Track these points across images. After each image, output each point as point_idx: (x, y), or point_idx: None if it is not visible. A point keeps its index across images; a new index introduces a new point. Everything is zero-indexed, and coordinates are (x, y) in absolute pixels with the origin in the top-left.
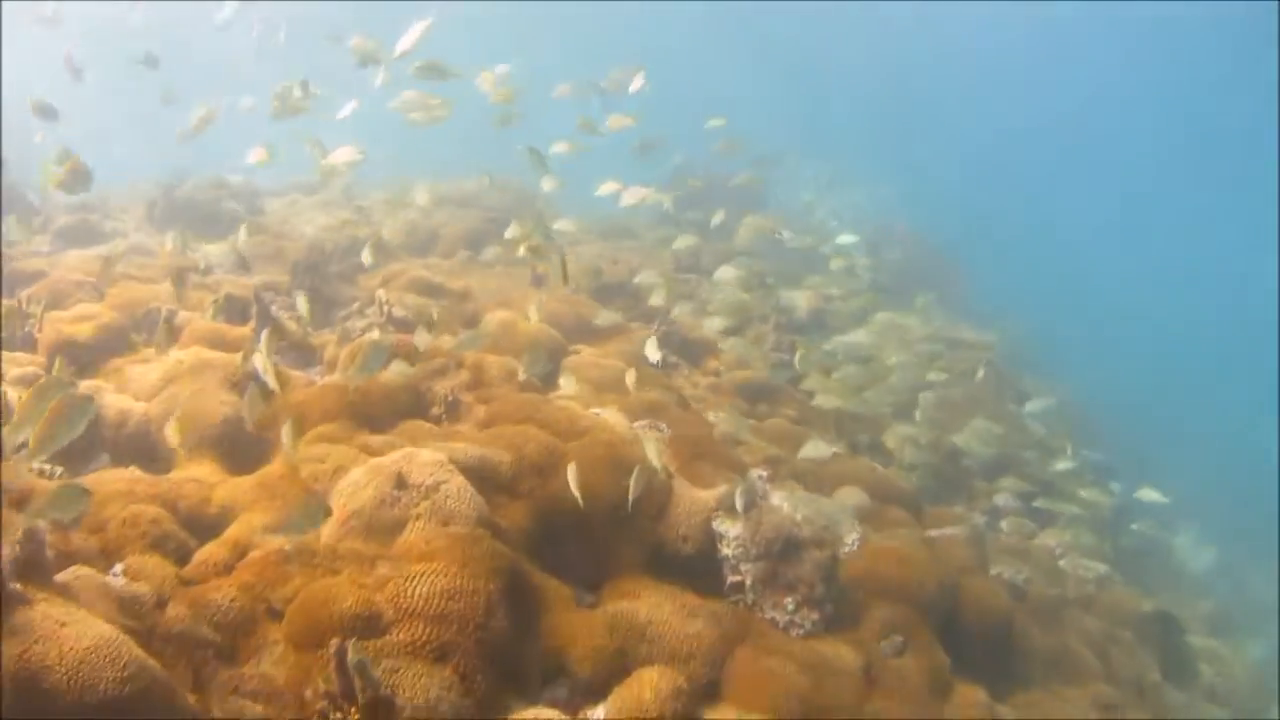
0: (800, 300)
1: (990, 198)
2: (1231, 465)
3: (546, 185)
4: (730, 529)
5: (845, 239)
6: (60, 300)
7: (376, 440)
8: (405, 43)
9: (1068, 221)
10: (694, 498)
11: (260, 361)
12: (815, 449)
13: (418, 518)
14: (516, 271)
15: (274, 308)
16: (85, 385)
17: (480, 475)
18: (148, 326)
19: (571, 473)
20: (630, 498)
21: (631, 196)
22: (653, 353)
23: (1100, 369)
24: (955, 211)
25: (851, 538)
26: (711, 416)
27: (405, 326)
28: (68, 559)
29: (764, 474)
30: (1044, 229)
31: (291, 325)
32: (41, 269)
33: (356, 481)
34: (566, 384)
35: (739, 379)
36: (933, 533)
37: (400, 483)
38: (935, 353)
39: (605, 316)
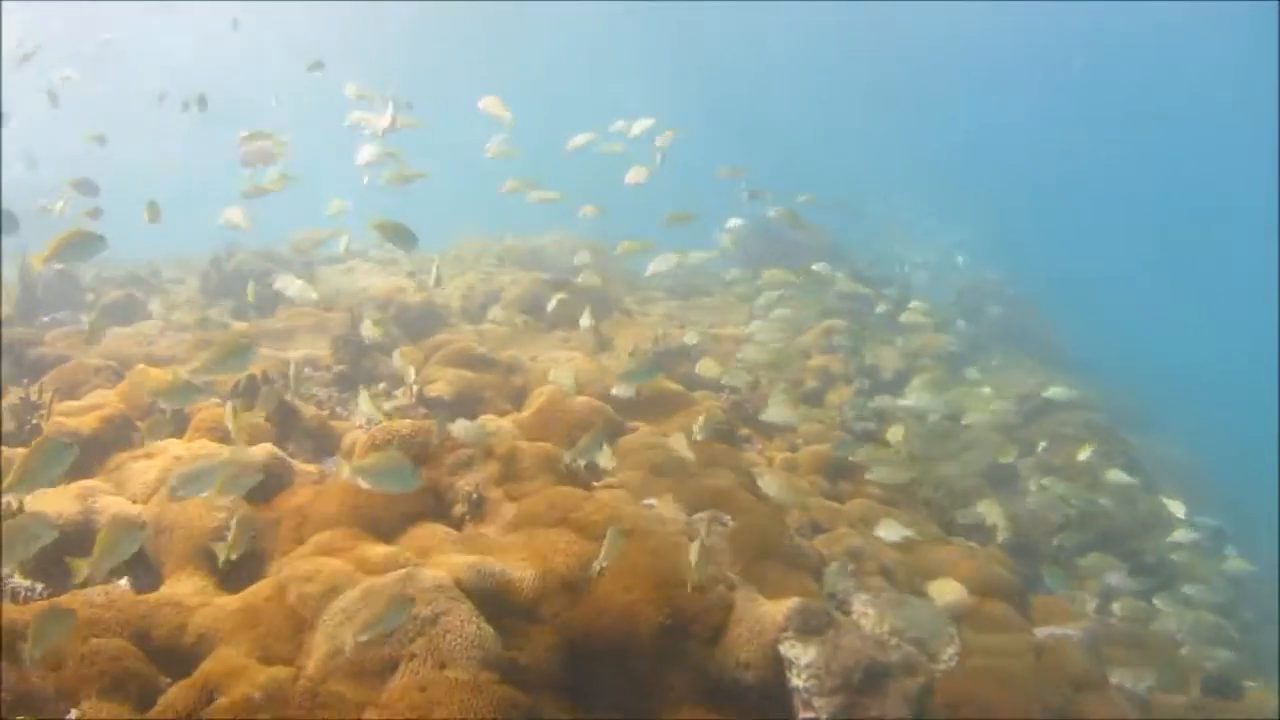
0: (886, 359)
1: (1059, 239)
2: None
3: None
4: (802, 654)
5: (916, 306)
6: (75, 388)
7: (379, 553)
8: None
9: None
10: (758, 615)
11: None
12: (888, 530)
13: (412, 658)
14: (577, 337)
15: (309, 386)
16: (80, 486)
17: (494, 598)
18: (156, 414)
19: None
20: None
21: (663, 264)
22: (698, 432)
23: (1209, 420)
24: (1033, 256)
25: (949, 652)
26: (762, 483)
27: (440, 407)
28: (23, 702)
29: (849, 568)
30: (1112, 270)
31: (309, 410)
32: (65, 354)
33: (346, 609)
34: (605, 462)
35: (820, 454)
36: (1041, 633)
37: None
38: (1005, 411)
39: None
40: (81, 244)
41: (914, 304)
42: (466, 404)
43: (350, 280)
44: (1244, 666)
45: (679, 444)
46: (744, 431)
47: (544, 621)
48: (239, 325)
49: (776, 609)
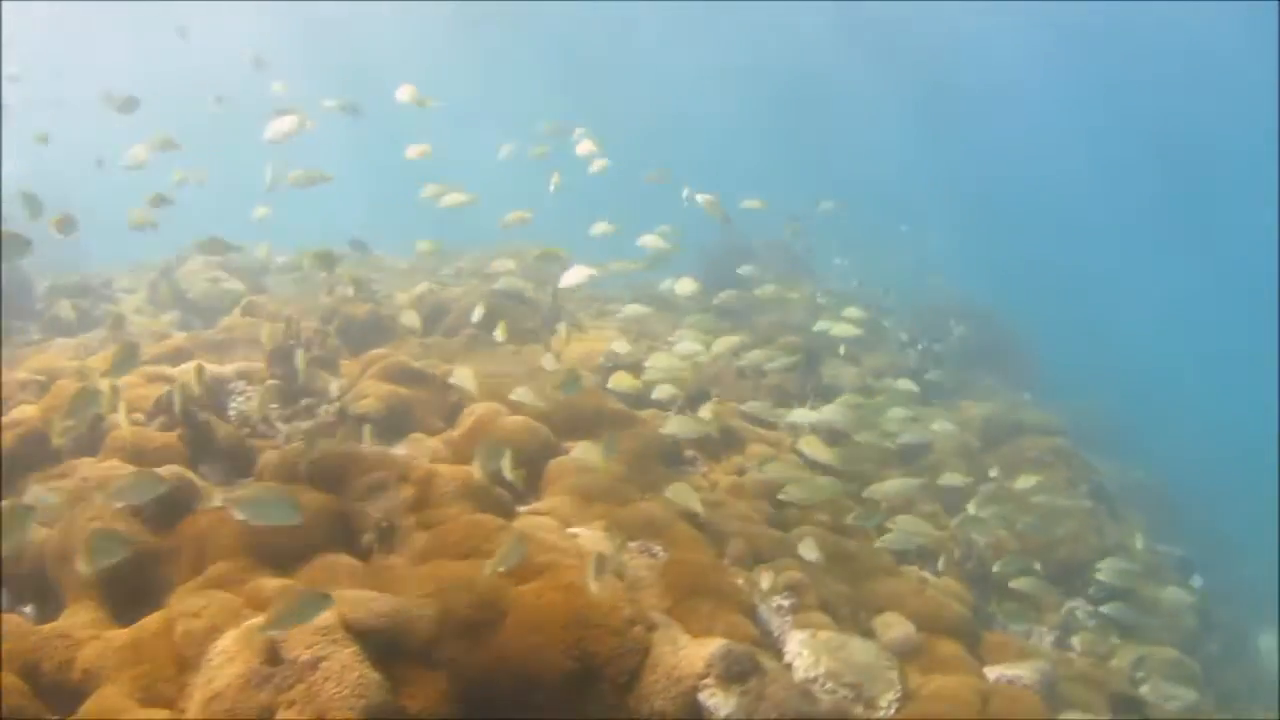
0: (845, 378)
1: (1042, 251)
2: None
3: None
4: (721, 705)
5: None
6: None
7: (272, 587)
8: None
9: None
10: (677, 660)
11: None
12: (806, 549)
13: (290, 705)
14: (529, 351)
15: (238, 399)
16: None
17: (387, 639)
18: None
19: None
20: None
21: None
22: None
23: (1181, 444)
24: (1012, 269)
25: (888, 698)
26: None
27: (362, 425)
28: None
29: (786, 604)
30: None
31: (225, 428)
32: None
33: (226, 650)
34: (508, 474)
35: (768, 478)
36: (992, 674)
37: (274, 656)
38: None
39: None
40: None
41: (849, 310)
42: (396, 421)
43: (306, 290)
44: (1206, 707)
45: (592, 455)
46: (689, 453)
47: (440, 666)
48: (177, 337)
49: (698, 653)
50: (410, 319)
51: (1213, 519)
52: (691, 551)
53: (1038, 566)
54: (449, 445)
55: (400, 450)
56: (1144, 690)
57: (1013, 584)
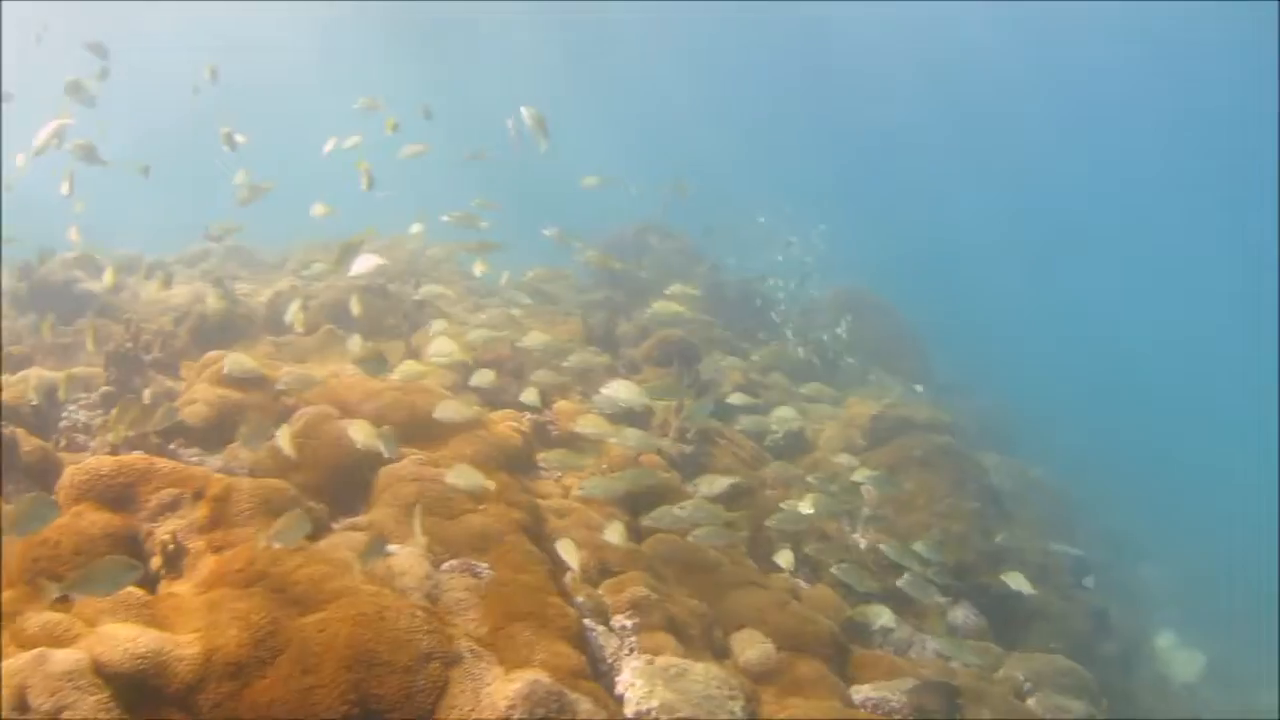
0: (727, 374)
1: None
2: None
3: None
4: None
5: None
6: None
7: (37, 622)
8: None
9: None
10: (475, 703)
11: None
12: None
13: None
14: (389, 349)
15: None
16: None
17: (143, 683)
18: None
19: None
20: None
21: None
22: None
23: (1081, 440)
24: (903, 267)
25: None
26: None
27: (179, 435)
28: None
29: (628, 624)
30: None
31: (32, 442)
32: None
33: None
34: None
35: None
36: (858, 697)
37: (21, 703)
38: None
39: (450, 409)
40: None
41: (673, 287)
42: (224, 429)
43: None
44: (1099, 718)
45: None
46: (543, 456)
47: (199, 714)
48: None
49: (502, 691)
50: (291, 315)
51: (1114, 517)
52: (521, 570)
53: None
54: (273, 454)
55: (217, 461)
56: (1032, 703)
57: (899, 583)
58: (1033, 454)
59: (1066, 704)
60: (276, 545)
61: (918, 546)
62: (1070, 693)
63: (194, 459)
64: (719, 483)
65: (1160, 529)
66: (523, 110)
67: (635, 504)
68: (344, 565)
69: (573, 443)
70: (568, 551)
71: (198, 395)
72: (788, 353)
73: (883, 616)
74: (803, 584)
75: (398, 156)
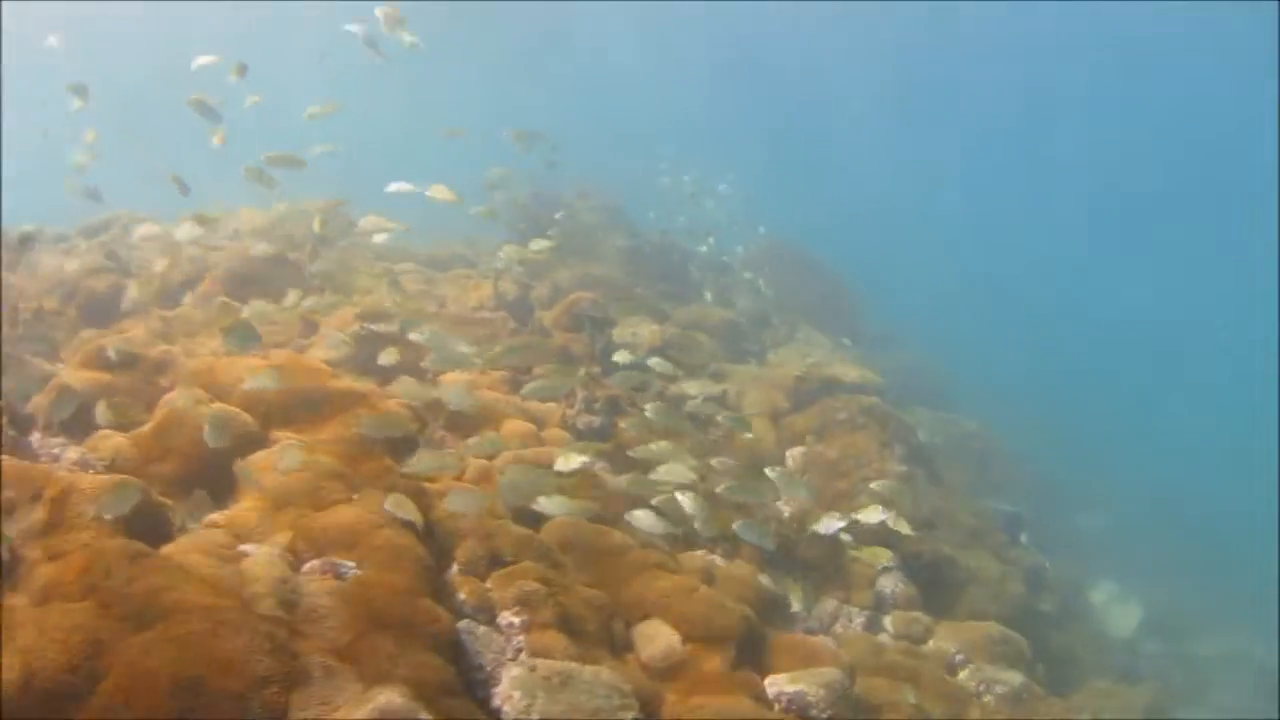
0: (643, 334)
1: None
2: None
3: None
4: None
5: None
6: None
7: None
8: None
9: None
10: None
11: None
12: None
13: None
14: (284, 320)
15: None
16: None
17: None
18: None
19: None
20: None
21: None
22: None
23: (1017, 393)
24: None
25: None
26: (402, 512)
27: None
28: None
29: (516, 622)
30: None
31: None
32: None
33: None
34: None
35: (521, 459)
36: (772, 690)
37: None
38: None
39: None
40: None
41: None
42: (85, 416)
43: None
44: (1035, 688)
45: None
46: (438, 434)
47: None
48: None
49: (349, 716)
50: (142, 290)
51: (1050, 468)
52: (392, 568)
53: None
54: (137, 444)
55: (72, 454)
56: (964, 676)
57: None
58: (967, 408)
59: (1000, 675)
60: (106, 517)
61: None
62: (1004, 661)
63: (56, 451)
64: (573, 460)
65: (1099, 477)
66: (378, 9)
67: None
68: (185, 574)
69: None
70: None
71: (66, 379)
72: (710, 312)
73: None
74: (719, 560)
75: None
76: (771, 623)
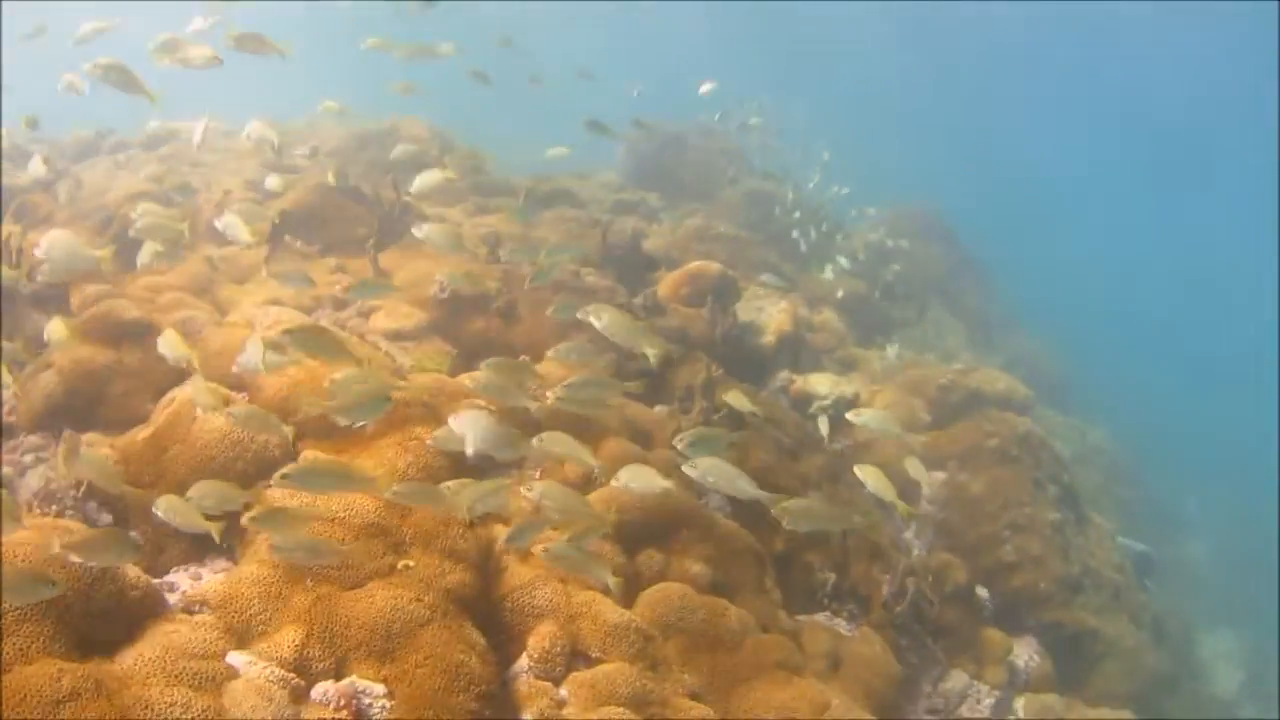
0: (770, 312)
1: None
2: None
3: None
4: None
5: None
6: None
7: None
8: None
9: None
10: None
11: None
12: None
13: None
14: (355, 268)
15: None
16: None
17: None
18: None
19: None
20: None
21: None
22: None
23: (1135, 397)
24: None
25: None
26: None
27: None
28: None
29: None
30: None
31: None
32: None
33: None
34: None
35: (618, 498)
36: None
37: None
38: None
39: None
40: None
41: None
42: (81, 409)
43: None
44: None
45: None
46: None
47: None
48: None
49: None
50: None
51: (1161, 487)
52: (435, 702)
53: (984, 592)
54: (126, 458)
55: (35, 480)
56: None
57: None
58: (1088, 409)
59: None
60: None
61: None
62: None
63: (26, 461)
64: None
65: (1210, 503)
66: None
67: (641, 534)
68: (144, 706)
69: None
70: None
71: (54, 358)
72: (836, 282)
73: None
74: (843, 628)
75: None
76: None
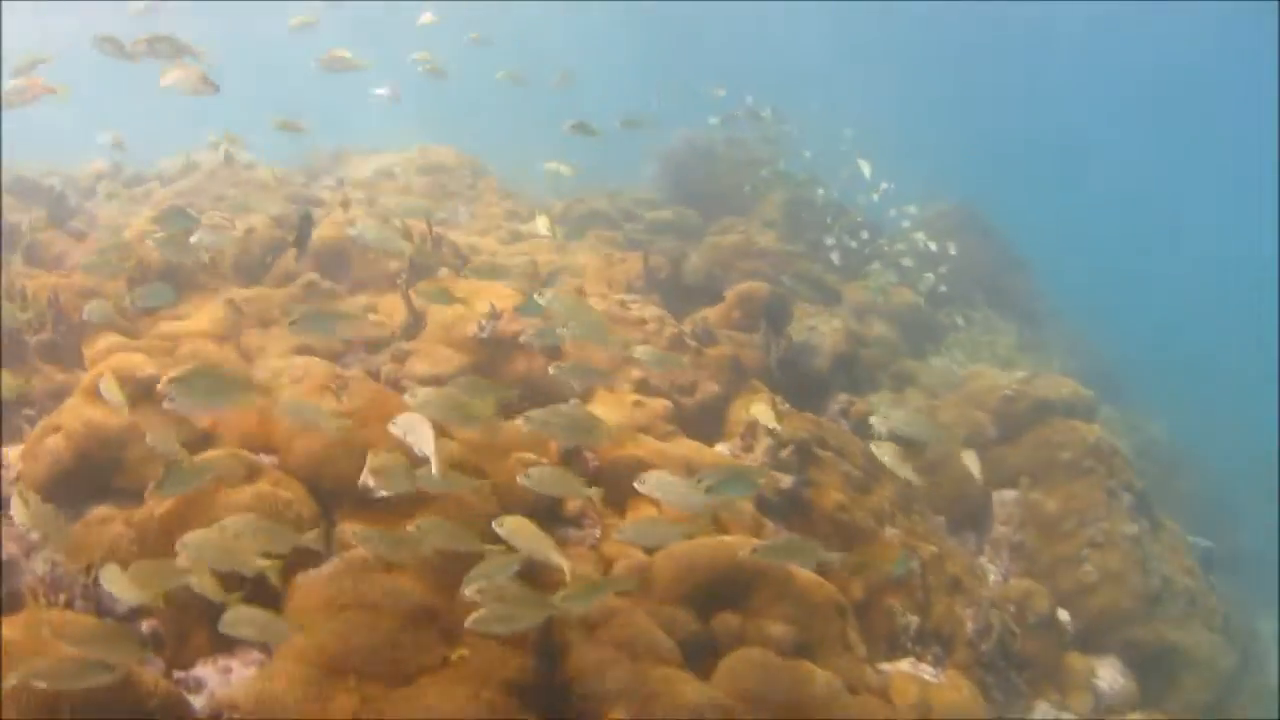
0: (822, 331)
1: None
2: None
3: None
4: None
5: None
6: None
7: None
8: None
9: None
10: None
11: None
12: None
13: None
14: (386, 306)
15: None
16: None
17: None
18: None
19: None
20: None
21: None
22: None
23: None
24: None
25: None
26: None
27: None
28: None
29: None
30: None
31: None
32: None
33: None
34: None
35: (694, 555)
36: None
37: None
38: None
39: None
40: None
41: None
42: (90, 477)
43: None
44: None
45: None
46: (577, 502)
47: None
48: None
49: None
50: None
51: (1211, 478)
52: None
53: (1065, 616)
54: (138, 531)
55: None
56: None
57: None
58: (1144, 401)
59: None
60: None
61: None
62: None
63: (34, 538)
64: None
65: (1253, 487)
66: None
67: (712, 596)
68: None
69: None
70: None
71: (63, 419)
72: (883, 291)
73: None
74: (929, 674)
75: None
76: None
